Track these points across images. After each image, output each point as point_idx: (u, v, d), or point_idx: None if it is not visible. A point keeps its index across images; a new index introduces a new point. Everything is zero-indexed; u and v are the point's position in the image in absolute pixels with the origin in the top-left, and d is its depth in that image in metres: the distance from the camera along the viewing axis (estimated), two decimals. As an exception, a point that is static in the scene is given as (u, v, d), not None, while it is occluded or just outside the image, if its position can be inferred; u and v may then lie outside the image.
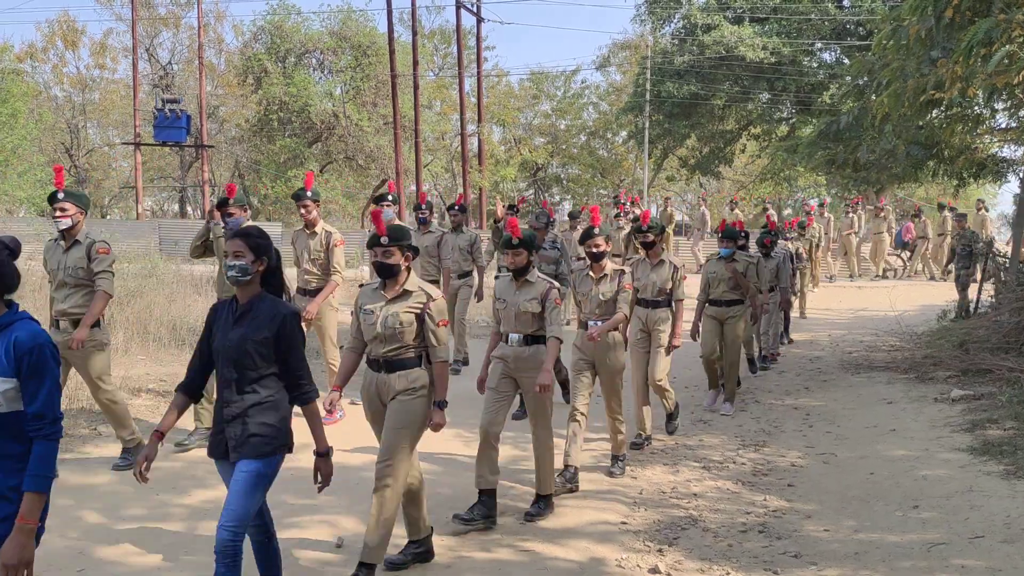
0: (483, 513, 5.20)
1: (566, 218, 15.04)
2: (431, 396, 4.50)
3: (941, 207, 20.64)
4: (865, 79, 10.83)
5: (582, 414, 6.08)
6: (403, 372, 4.46)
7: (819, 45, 25.97)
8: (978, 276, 13.21)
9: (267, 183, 29.30)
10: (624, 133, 34.50)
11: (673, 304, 7.13)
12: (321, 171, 29.77)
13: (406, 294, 4.47)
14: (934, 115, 10.53)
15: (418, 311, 4.44)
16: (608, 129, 38.94)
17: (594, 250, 6.20)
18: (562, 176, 42.72)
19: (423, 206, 9.30)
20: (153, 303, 10.57)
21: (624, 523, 5.42)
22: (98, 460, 6.20)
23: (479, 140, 29.09)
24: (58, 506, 5.08)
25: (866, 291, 17.65)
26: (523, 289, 5.44)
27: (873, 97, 9.77)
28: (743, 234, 9.79)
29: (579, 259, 12.25)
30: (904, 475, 6.20)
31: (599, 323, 6.12)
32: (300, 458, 6.08)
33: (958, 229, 13.87)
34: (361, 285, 4.72)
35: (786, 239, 11.96)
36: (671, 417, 7.58)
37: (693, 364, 9.30)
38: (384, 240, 4.41)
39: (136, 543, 4.77)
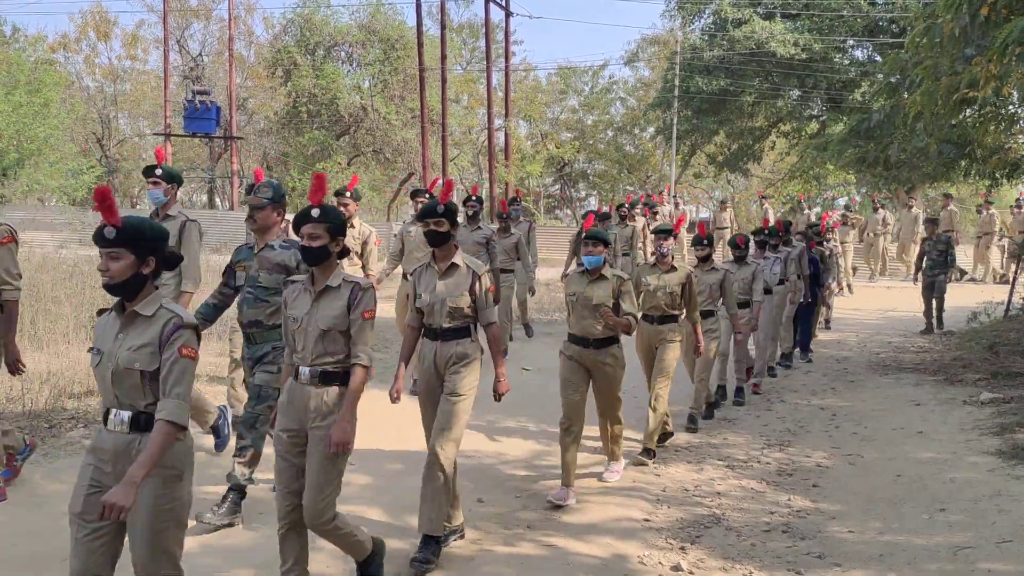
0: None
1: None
2: None
3: (875, 206, 19.96)
4: (898, 76, 10.70)
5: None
6: None
7: (851, 42, 25.68)
8: (1011, 277, 12.97)
9: (295, 175, 29.47)
10: (652, 129, 34.29)
11: (486, 330, 4.78)
12: (349, 164, 29.89)
13: None
14: (967, 114, 10.38)
15: None
16: (636, 125, 38.74)
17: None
18: (588, 172, 42.60)
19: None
20: (181, 293, 10.65)
21: (647, 520, 5.41)
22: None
23: (506, 135, 29.07)
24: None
25: (895, 292, 17.46)
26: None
27: (905, 95, 9.66)
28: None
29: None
30: (931, 478, 6.14)
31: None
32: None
33: (929, 233, 13.15)
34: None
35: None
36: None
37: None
38: None
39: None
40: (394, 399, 4.71)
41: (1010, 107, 10.26)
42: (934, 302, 12.82)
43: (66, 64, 35.92)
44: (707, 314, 7.52)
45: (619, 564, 4.73)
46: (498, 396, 4.87)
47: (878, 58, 24.25)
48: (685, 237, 17.29)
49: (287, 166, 30.68)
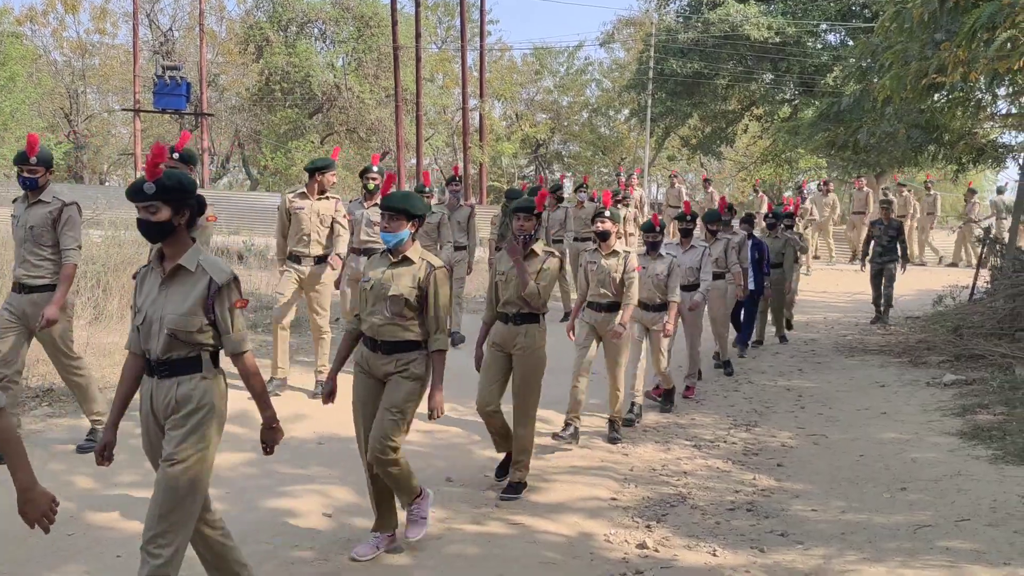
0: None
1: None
2: None
3: (799, 190, 19.66)
4: (868, 61, 10.78)
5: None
6: None
7: (824, 26, 25.79)
8: (974, 262, 13.07)
9: (267, 153, 29.19)
10: (626, 111, 34.33)
11: (234, 363, 3.43)
12: (322, 142, 29.66)
13: None
14: (936, 99, 10.49)
15: None
16: (610, 107, 38.75)
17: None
18: (563, 153, 42.60)
19: None
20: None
21: (614, 499, 5.46)
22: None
23: (480, 115, 28.95)
24: (50, 471, 5.12)
25: (864, 275, 17.63)
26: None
27: (875, 79, 9.74)
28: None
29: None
30: (894, 458, 6.24)
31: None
32: (293, 427, 6.11)
33: (883, 217, 12.52)
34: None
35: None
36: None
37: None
38: None
39: (126, 509, 4.80)
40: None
41: (977, 93, 10.38)
42: (883, 290, 12.37)
43: (33, 37, 35.30)
44: (612, 306, 6.39)
45: (585, 542, 4.77)
46: (269, 450, 3.50)
47: (851, 42, 24.39)
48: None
49: (259, 144, 30.40)
